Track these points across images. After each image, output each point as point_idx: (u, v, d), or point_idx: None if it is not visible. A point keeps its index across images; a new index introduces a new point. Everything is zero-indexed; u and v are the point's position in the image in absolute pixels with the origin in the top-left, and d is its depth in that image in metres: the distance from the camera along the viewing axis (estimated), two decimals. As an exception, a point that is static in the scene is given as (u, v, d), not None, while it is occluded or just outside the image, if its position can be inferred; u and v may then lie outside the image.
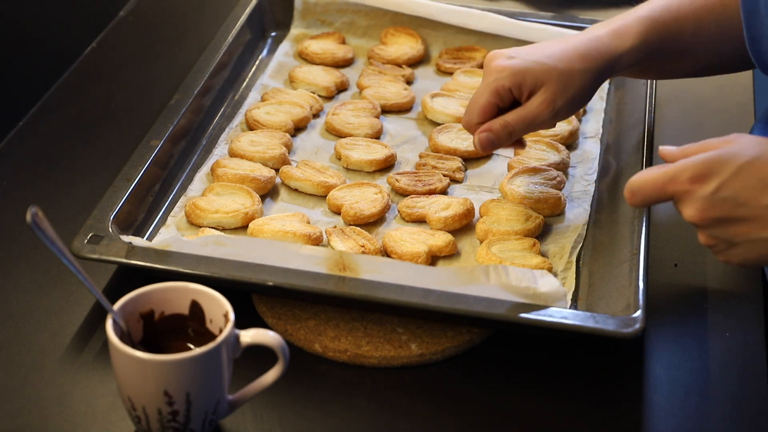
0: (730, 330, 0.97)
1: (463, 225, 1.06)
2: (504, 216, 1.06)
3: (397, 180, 1.11)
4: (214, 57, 1.24)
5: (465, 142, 1.17)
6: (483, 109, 1.01)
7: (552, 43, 1.03)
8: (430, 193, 1.10)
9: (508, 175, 1.12)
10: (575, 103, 1.01)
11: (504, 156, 1.18)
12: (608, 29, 1.03)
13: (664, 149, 0.91)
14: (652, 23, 1.03)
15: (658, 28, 1.03)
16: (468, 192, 1.12)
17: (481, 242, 1.04)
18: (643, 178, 0.89)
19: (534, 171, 1.12)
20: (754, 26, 0.97)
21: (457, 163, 1.14)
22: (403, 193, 1.10)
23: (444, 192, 1.11)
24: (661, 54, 1.04)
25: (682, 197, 0.88)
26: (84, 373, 0.92)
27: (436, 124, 1.22)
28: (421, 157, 1.16)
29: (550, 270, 1.00)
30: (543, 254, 1.03)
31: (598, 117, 1.24)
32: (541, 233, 1.06)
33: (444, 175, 1.12)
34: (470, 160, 1.16)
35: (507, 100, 1.01)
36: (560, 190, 1.10)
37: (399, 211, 1.08)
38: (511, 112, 1.01)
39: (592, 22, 1.28)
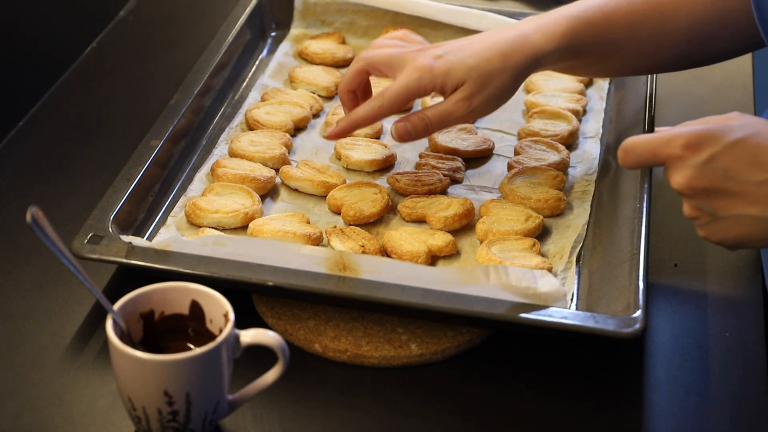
0: (730, 330, 0.97)
1: (463, 225, 1.06)
2: (504, 216, 1.06)
3: (397, 180, 1.11)
4: (214, 57, 1.24)
5: (465, 142, 1.17)
6: (399, 101, 1.03)
7: (480, 38, 1.05)
8: (430, 193, 1.10)
9: (508, 175, 1.12)
10: (493, 101, 1.03)
11: (504, 156, 1.18)
12: (536, 25, 1.04)
13: (663, 128, 0.91)
14: (582, 23, 1.04)
15: (587, 29, 1.04)
16: (468, 192, 1.12)
17: (481, 242, 1.04)
18: (638, 139, 0.89)
19: (534, 171, 1.12)
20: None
21: (457, 163, 1.14)
22: (404, 193, 1.10)
23: (444, 192, 1.11)
24: (588, 55, 1.06)
25: (673, 163, 0.87)
26: (84, 373, 0.92)
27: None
28: (421, 157, 1.16)
29: (550, 270, 1.00)
30: (543, 254, 1.03)
31: (598, 117, 1.25)
32: (541, 233, 1.06)
33: (444, 175, 1.12)
34: (470, 160, 1.16)
35: (421, 96, 1.05)
36: (560, 190, 1.10)
37: (399, 211, 1.08)
38: (430, 107, 1.05)
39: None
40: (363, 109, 1.06)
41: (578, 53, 1.05)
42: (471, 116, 1.04)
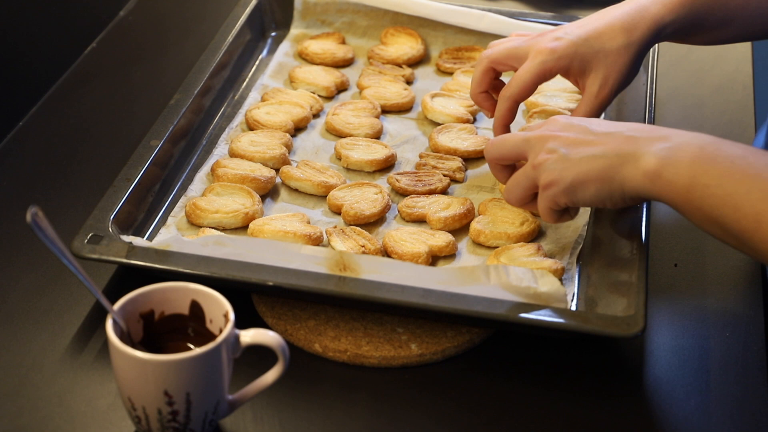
0: (730, 330, 0.98)
1: (463, 225, 1.06)
2: (501, 217, 1.05)
3: (397, 180, 1.11)
4: (214, 57, 1.24)
5: (465, 142, 1.17)
6: (526, 87, 1.04)
7: (596, 17, 1.04)
8: (431, 193, 1.10)
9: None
10: (625, 79, 1.03)
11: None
12: None
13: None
14: None
15: None
16: (468, 192, 1.12)
17: (473, 241, 1.04)
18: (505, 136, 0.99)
19: None
20: None
21: (458, 163, 1.14)
22: (404, 193, 1.10)
23: (444, 192, 1.11)
24: (707, 22, 1.04)
25: (536, 134, 0.95)
26: (84, 373, 0.92)
27: (436, 124, 1.22)
28: (421, 157, 1.15)
29: (561, 270, 0.99)
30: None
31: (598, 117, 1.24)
32: (542, 234, 1.06)
33: (444, 175, 1.12)
34: (470, 160, 1.16)
35: (546, 81, 1.05)
36: None
37: (399, 211, 1.08)
38: (575, 110, 1.05)
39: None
40: (498, 110, 1.06)
41: (697, 21, 1.04)
42: (612, 100, 1.04)
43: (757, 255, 0.83)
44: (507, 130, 1.08)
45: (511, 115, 1.07)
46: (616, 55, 1.01)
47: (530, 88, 1.04)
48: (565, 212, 0.97)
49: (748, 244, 0.82)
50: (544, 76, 1.03)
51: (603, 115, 1.14)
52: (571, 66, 1.02)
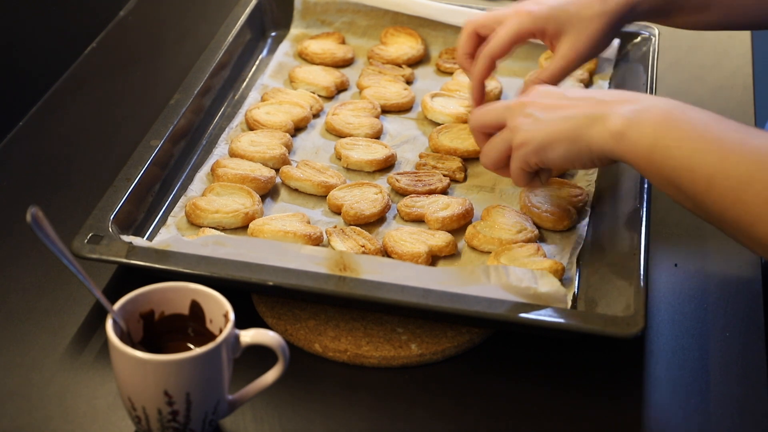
0: (730, 330, 0.98)
1: (462, 225, 1.06)
2: (500, 223, 1.05)
3: (397, 180, 1.11)
4: (214, 57, 1.24)
5: (465, 141, 1.17)
6: (503, 44, 1.08)
7: None
8: (431, 193, 1.10)
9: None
10: (595, 46, 1.07)
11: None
12: None
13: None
14: None
15: None
16: (468, 192, 1.12)
17: (467, 244, 1.04)
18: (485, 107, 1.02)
19: (561, 185, 1.10)
20: None
21: (458, 163, 1.14)
22: (404, 193, 1.10)
23: (444, 192, 1.11)
24: (685, 3, 1.07)
25: (517, 102, 0.98)
26: (84, 373, 0.92)
27: (436, 124, 1.22)
28: (421, 157, 1.15)
29: (562, 270, 0.99)
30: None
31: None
32: (542, 234, 1.06)
33: (444, 175, 1.12)
34: (470, 159, 1.16)
35: (522, 41, 1.09)
36: (578, 207, 1.08)
37: (398, 210, 1.08)
38: (544, 71, 1.09)
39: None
40: (476, 67, 1.11)
41: (673, 3, 1.07)
42: (580, 64, 1.08)
43: (709, 217, 0.85)
44: (483, 86, 1.12)
45: (488, 71, 1.11)
46: (589, 22, 1.06)
47: (507, 46, 1.08)
48: (536, 176, 0.99)
49: (701, 206, 0.84)
50: (521, 35, 1.07)
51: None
52: (547, 28, 1.07)
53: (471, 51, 1.13)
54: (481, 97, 1.12)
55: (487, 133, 1.02)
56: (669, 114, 0.87)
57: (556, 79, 1.08)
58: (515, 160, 0.97)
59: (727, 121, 0.86)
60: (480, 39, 1.12)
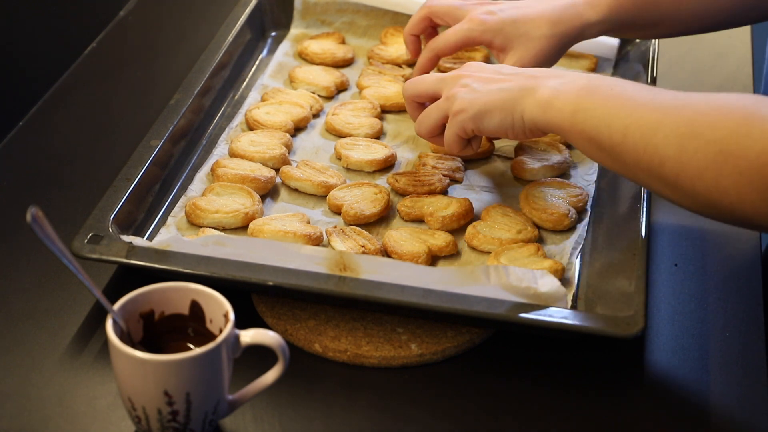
0: (730, 330, 0.98)
1: (462, 225, 1.06)
2: (500, 223, 1.05)
3: (396, 180, 1.11)
4: (214, 57, 1.24)
5: (465, 142, 1.17)
6: (449, 46, 1.14)
7: (533, 3, 1.13)
8: (430, 193, 1.10)
9: (532, 183, 1.11)
10: (541, 64, 1.12)
11: (504, 156, 1.18)
12: None
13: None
14: None
15: (633, 1, 1.11)
16: (468, 192, 1.12)
17: (467, 244, 1.04)
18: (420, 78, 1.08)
19: (561, 185, 1.11)
20: None
21: (457, 163, 1.14)
22: (403, 194, 1.10)
23: (444, 192, 1.11)
24: (637, 22, 1.13)
25: (451, 74, 1.04)
26: (84, 373, 0.92)
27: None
28: (420, 157, 1.15)
29: (562, 270, 0.99)
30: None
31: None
32: (540, 235, 1.06)
33: (444, 175, 1.12)
34: (470, 160, 1.16)
35: (469, 46, 1.17)
36: (578, 207, 1.08)
37: (398, 211, 1.08)
38: None
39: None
40: (421, 57, 1.17)
41: (624, 24, 1.12)
42: None
43: (625, 168, 0.91)
44: (425, 72, 1.17)
45: (431, 65, 1.17)
46: (536, 42, 1.11)
47: (453, 48, 1.14)
48: (469, 144, 1.04)
49: (618, 158, 0.91)
50: (468, 42, 1.13)
51: None
52: (494, 40, 1.12)
53: (417, 33, 1.21)
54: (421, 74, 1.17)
55: (420, 102, 1.08)
56: (589, 83, 0.94)
57: None
58: (452, 127, 1.02)
59: (640, 85, 0.94)
60: (432, 23, 1.19)
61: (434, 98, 1.05)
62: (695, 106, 0.87)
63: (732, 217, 0.85)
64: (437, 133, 1.05)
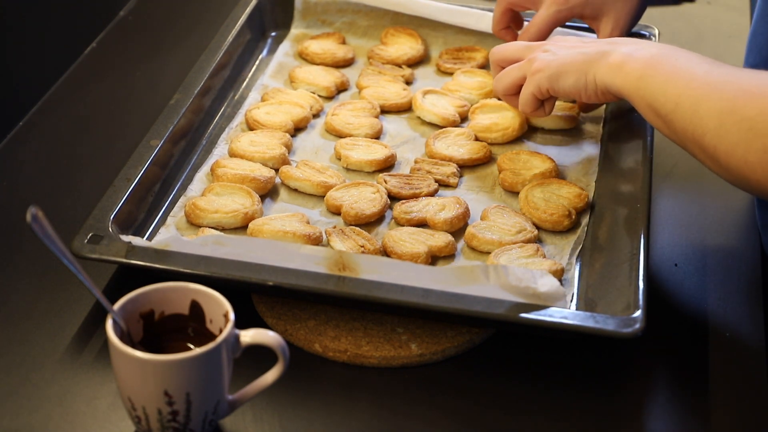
0: (730, 330, 0.98)
1: (462, 225, 1.06)
2: (500, 223, 1.05)
3: (385, 181, 1.11)
4: (214, 57, 1.24)
5: (461, 149, 1.16)
6: (541, 32, 1.19)
7: None
8: (415, 197, 1.09)
9: (534, 182, 1.11)
10: (634, 20, 1.19)
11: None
12: None
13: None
14: None
15: None
16: (467, 192, 1.12)
17: (467, 244, 1.04)
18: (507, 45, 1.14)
19: (561, 184, 1.10)
20: None
21: (452, 168, 1.14)
22: (390, 195, 1.09)
23: (431, 196, 1.10)
24: None
25: (537, 43, 1.11)
26: (84, 373, 0.92)
27: (430, 124, 1.22)
28: (416, 162, 1.15)
29: (562, 271, 0.99)
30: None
31: (598, 117, 1.24)
32: (539, 236, 1.06)
33: (436, 180, 1.12)
34: (466, 166, 1.15)
35: (561, 24, 1.21)
36: (578, 208, 1.08)
37: (395, 218, 1.07)
38: None
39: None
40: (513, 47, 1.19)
41: None
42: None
43: (677, 135, 0.96)
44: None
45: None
46: (624, 1, 1.16)
47: (545, 33, 1.19)
48: (542, 106, 1.10)
49: (670, 125, 0.96)
50: (558, 22, 1.19)
51: None
52: (584, 13, 1.18)
53: (505, 25, 1.25)
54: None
55: (503, 67, 1.13)
56: (660, 51, 0.99)
57: None
58: (529, 85, 1.07)
59: (704, 58, 0.98)
60: (514, 13, 1.24)
61: (517, 61, 1.10)
62: (741, 82, 0.91)
63: (760, 192, 0.89)
64: (513, 92, 1.11)
